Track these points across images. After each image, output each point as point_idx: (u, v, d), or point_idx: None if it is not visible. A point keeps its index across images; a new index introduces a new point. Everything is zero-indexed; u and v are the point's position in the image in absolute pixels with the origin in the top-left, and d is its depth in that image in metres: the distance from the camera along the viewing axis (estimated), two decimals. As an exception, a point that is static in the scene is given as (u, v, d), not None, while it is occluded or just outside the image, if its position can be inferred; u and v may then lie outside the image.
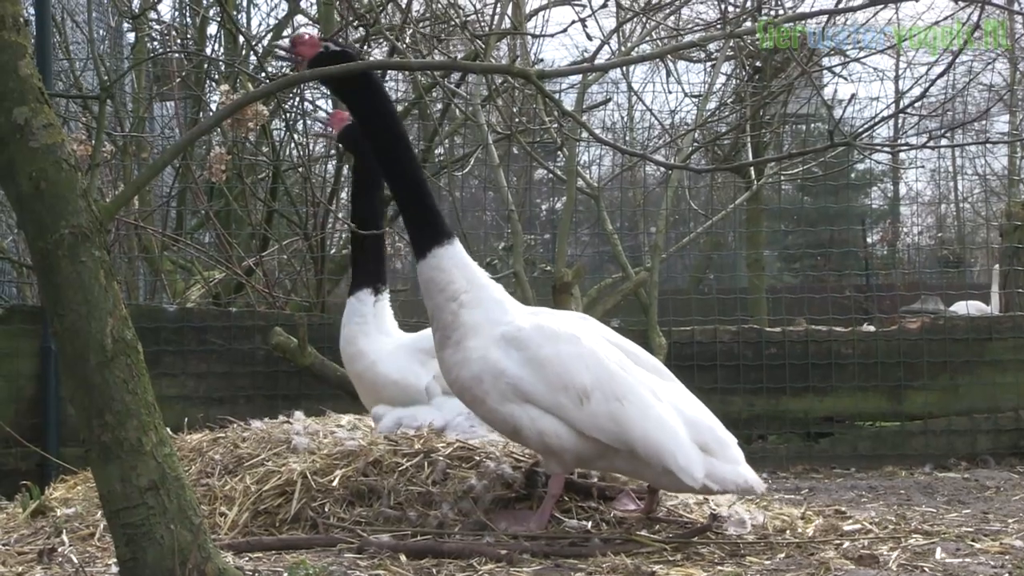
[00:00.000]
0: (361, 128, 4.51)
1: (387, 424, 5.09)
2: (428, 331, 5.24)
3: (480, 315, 4.27)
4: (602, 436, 4.09)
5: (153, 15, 10.96)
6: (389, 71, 10.97)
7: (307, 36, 4.51)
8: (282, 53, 4.66)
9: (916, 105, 8.36)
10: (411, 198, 4.35)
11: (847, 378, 8.01)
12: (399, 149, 4.34)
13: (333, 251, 10.14)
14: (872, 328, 8.51)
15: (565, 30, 5.62)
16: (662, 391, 4.25)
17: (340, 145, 5.79)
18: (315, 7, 11.33)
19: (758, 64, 12.96)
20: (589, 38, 6.86)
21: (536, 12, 10.51)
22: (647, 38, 9.30)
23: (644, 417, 4.09)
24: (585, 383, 4.11)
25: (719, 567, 3.83)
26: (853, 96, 10.31)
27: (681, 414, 4.18)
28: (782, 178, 11.26)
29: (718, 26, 9.93)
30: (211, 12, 11.11)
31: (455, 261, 4.31)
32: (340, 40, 4.49)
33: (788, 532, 4.41)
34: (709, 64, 11.86)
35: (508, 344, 4.20)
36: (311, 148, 10.23)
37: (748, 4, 9.19)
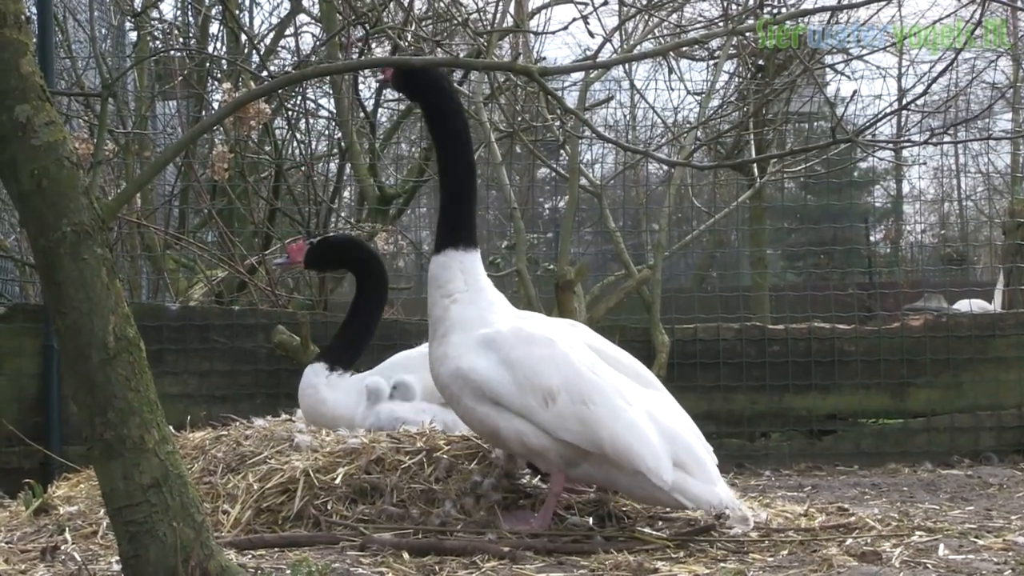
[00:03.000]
0: (430, 126, 4.74)
1: (385, 422, 5.14)
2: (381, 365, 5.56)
3: (470, 312, 4.38)
4: (569, 437, 4.12)
5: (155, 13, 10.97)
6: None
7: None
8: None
9: (919, 103, 8.34)
10: (452, 198, 4.52)
11: (850, 375, 7.99)
12: (459, 152, 4.53)
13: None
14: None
15: (567, 27, 5.62)
16: (637, 397, 4.25)
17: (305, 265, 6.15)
18: (317, 6, 11.33)
19: (760, 62, 12.94)
20: (591, 35, 6.84)
21: (538, 10, 10.53)
22: (649, 36, 9.29)
23: (613, 419, 4.11)
24: (552, 385, 4.15)
25: (722, 564, 3.83)
26: (855, 93, 10.31)
27: (657, 423, 4.18)
28: (785, 176, 11.23)
29: (720, 23, 9.92)
30: (213, 10, 11.11)
31: (463, 266, 4.44)
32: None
33: (791, 530, 4.40)
34: (711, 62, 11.86)
35: (486, 346, 4.28)
36: (313, 146, 10.23)
37: (750, 2, 9.18)
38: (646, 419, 4.16)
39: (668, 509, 4.48)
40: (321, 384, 5.58)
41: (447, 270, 4.43)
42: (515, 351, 4.22)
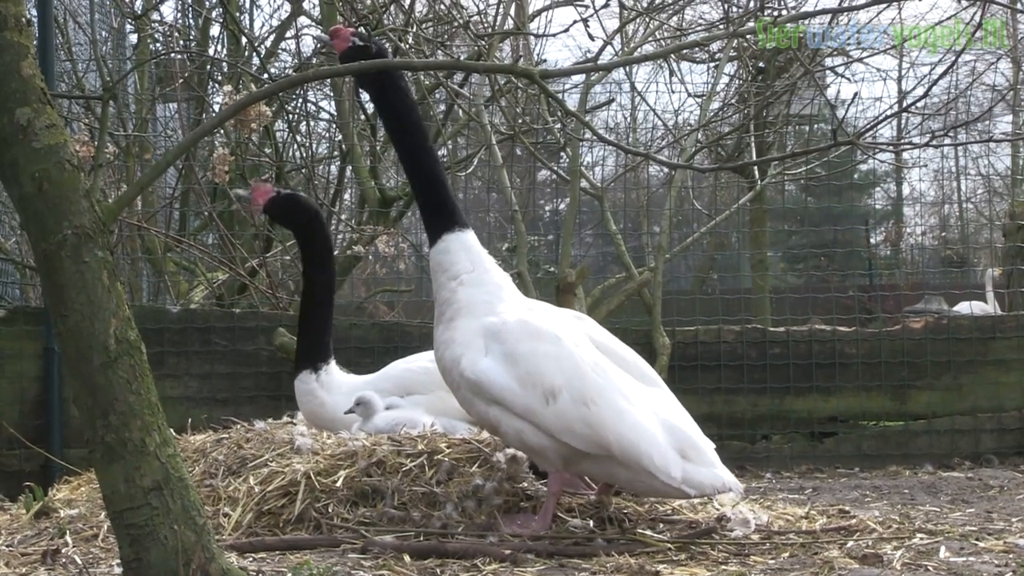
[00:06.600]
0: (384, 120, 4.71)
1: (381, 425, 5.14)
2: (381, 373, 5.49)
3: (478, 295, 4.35)
4: (573, 440, 4.09)
5: (156, 16, 10.98)
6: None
7: (343, 31, 4.60)
8: (323, 40, 4.78)
9: (919, 105, 8.35)
10: (426, 189, 4.51)
11: (851, 378, 8.00)
12: (416, 142, 4.50)
13: (336, 252, 10.14)
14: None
15: (567, 30, 5.62)
16: (638, 395, 4.21)
17: (265, 215, 6.05)
18: (317, 8, 11.33)
19: (761, 65, 12.95)
20: (592, 38, 6.87)
21: (539, 13, 10.52)
22: (650, 38, 9.30)
23: (618, 420, 4.07)
24: (555, 384, 4.11)
25: (723, 567, 3.83)
26: (856, 95, 10.31)
27: (658, 418, 4.16)
28: (786, 178, 11.24)
29: (721, 26, 9.93)
30: (214, 13, 11.11)
31: (462, 245, 4.43)
32: (364, 35, 4.60)
33: (792, 532, 4.40)
34: (712, 64, 11.87)
35: (490, 337, 4.25)
36: (314, 149, 10.23)
37: (751, 4, 9.19)
38: (650, 417, 4.13)
39: (668, 503, 4.50)
40: (316, 389, 5.55)
41: (449, 254, 4.42)
42: (520, 345, 4.19)
